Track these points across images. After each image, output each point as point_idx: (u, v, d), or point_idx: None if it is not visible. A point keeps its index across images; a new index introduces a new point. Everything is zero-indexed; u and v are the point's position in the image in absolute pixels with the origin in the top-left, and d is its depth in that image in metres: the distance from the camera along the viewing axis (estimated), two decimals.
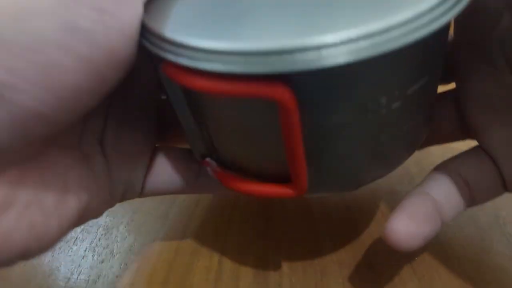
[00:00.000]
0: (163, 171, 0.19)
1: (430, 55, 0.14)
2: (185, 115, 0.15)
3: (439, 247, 0.22)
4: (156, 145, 0.19)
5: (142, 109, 0.18)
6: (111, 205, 0.17)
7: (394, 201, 0.26)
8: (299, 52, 0.11)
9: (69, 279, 0.21)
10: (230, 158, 0.16)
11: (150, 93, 0.18)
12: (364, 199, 0.26)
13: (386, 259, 0.22)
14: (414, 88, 0.14)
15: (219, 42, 0.11)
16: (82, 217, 0.15)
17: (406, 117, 0.15)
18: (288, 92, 0.12)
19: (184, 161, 0.19)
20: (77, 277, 0.21)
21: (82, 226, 0.24)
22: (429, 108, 0.17)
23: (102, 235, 0.24)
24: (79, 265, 0.22)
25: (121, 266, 0.22)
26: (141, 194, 0.19)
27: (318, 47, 0.11)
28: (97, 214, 0.17)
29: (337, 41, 0.11)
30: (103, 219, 0.25)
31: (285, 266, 0.22)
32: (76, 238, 0.23)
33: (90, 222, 0.24)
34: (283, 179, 0.15)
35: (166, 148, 0.19)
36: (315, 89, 0.12)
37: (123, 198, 0.18)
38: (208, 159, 0.17)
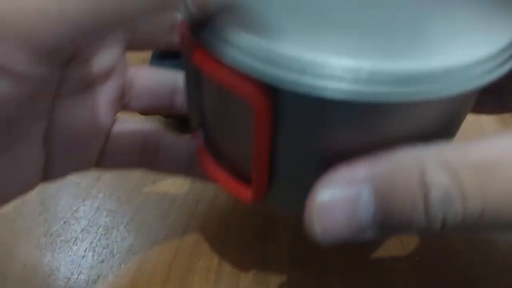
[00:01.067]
0: (120, 143, 0.18)
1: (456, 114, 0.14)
2: (190, 86, 0.16)
3: (439, 247, 0.22)
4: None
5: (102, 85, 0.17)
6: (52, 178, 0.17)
7: None
8: (283, 68, 0.11)
9: (69, 279, 0.21)
10: (212, 138, 0.16)
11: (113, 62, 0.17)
12: None
13: (387, 259, 0.22)
14: None
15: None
16: None
17: None
18: (263, 97, 0.12)
19: (143, 136, 0.18)
20: (77, 277, 0.21)
21: (82, 226, 0.24)
22: None
23: (102, 235, 0.24)
24: (79, 265, 0.22)
25: (121, 266, 0.22)
26: (98, 166, 0.18)
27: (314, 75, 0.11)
28: (20, 189, 0.16)
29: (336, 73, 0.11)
30: (103, 219, 0.25)
31: (285, 266, 0.22)
32: (76, 238, 0.23)
33: (90, 222, 0.24)
34: (247, 179, 0.15)
35: (127, 120, 0.19)
36: (304, 117, 0.12)
37: (73, 170, 0.17)
38: (200, 130, 0.17)
